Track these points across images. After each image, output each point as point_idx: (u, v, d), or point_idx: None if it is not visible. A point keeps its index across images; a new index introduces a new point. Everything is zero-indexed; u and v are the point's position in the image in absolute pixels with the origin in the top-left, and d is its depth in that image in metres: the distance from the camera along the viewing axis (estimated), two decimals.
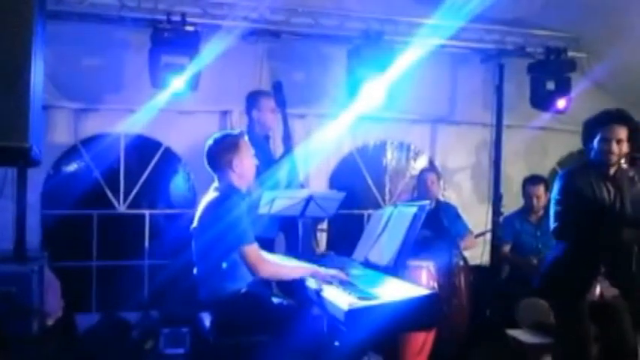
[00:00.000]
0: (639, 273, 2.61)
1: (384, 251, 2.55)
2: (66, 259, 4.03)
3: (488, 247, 4.41)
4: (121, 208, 4.25)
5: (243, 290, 2.48)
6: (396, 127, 4.85)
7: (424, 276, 3.33)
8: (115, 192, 4.23)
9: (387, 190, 4.96)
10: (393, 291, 2.29)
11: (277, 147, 4.00)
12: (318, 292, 2.41)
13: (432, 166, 4.66)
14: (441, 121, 4.90)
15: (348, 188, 5.09)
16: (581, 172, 2.73)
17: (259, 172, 3.31)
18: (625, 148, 2.64)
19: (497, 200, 4.31)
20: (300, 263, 2.70)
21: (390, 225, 2.61)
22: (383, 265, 2.53)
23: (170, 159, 4.32)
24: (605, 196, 2.67)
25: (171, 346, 3.44)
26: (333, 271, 2.54)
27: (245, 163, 2.59)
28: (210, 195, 2.60)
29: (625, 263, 2.63)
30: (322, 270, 2.56)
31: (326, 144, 4.58)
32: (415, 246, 3.60)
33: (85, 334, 3.62)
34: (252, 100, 3.62)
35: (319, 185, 4.56)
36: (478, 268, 4.22)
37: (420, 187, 3.94)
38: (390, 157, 5.03)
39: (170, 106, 4.06)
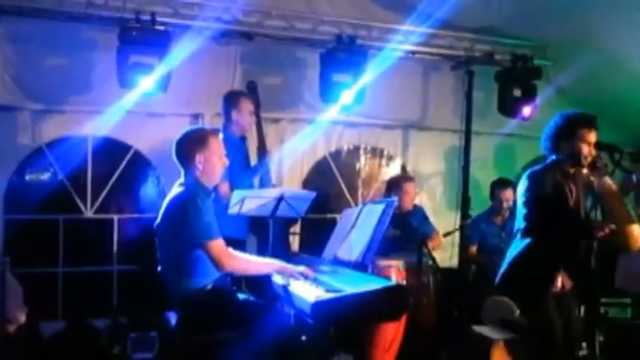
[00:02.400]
0: (597, 269, 2.69)
1: (353, 247, 2.57)
2: (30, 265, 3.88)
3: (457, 250, 4.48)
4: (89, 212, 4.13)
5: (209, 287, 2.43)
6: (370, 132, 4.89)
7: (393, 274, 3.36)
8: (82, 196, 4.12)
9: (359, 194, 4.98)
10: (359, 284, 2.32)
11: (253, 150, 3.96)
12: (285, 287, 2.41)
13: (410, 176, 4.68)
14: (413, 126, 4.96)
15: (321, 192, 5.13)
16: (547, 172, 2.79)
17: (236, 173, 3.28)
18: (593, 152, 2.72)
19: (465, 204, 4.38)
20: (267, 259, 2.68)
21: (359, 222, 2.63)
22: (352, 260, 2.54)
23: (139, 162, 4.22)
24: (569, 195, 2.74)
25: (140, 350, 3.35)
26: (300, 268, 2.53)
27: (212, 160, 2.53)
28: (175, 190, 2.54)
29: (585, 260, 2.71)
30: (289, 266, 2.54)
31: (300, 148, 4.59)
32: (385, 246, 3.66)
33: (50, 341, 3.50)
34: (232, 100, 3.58)
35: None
36: (447, 271, 4.28)
37: (401, 195, 3.96)
38: (364, 162, 5.06)
39: (139, 108, 3.98)
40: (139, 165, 4.23)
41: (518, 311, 3.63)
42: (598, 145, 2.67)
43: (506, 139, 5.05)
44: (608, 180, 2.66)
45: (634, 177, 2.74)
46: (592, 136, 2.71)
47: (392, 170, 5.05)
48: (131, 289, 4.04)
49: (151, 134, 4.17)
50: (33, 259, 3.94)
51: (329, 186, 4.88)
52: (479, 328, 3.44)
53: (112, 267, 4.15)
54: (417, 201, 4.94)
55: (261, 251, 3.42)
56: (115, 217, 4.22)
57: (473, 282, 4.12)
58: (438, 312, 3.58)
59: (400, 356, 3.38)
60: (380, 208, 2.54)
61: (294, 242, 4.48)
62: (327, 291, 2.23)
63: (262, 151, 3.72)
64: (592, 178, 2.72)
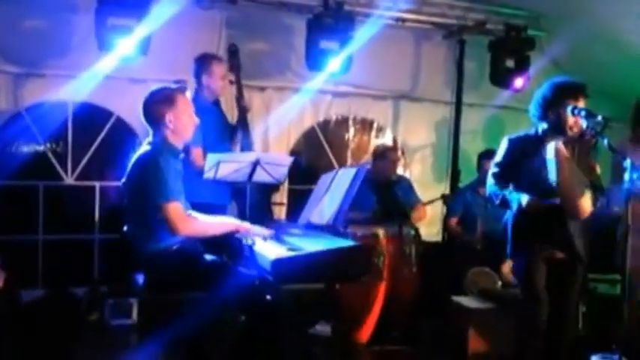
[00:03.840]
0: (577, 235, 2.66)
1: (325, 211, 2.54)
2: (9, 232, 3.83)
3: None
4: (69, 179, 4.07)
5: (175, 247, 2.39)
6: (359, 103, 4.80)
7: (376, 242, 3.34)
8: (63, 163, 4.04)
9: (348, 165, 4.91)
10: (323, 244, 2.31)
11: (229, 114, 3.86)
12: (250, 247, 2.39)
13: (394, 146, 4.61)
14: (404, 97, 4.87)
15: (309, 163, 5.07)
16: (527, 138, 2.75)
17: (211, 138, 3.20)
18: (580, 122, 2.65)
19: (454, 176, 4.33)
20: (224, 219, 2.64)
21: (333, 186, 2.59)
22: (323, 224, 2.51)
23: (121, 129, 4.13)
24: (542, 163, 2.69)
25: (118, 316, 3.33)
26: (258, 228, 2.50)
27: (182, 119, 2.46)
28: (142, 149, 2.49)
29: (563, 226, 2.67)
30: (246, 225, 2.50)
31: (286, 118, 4.51)
32: (367, 216, 3.63)
33: (28, 308, 3.47)
34: (203, 64, 3.47)
35: None
36: (435, 245, 4.25)
37: (383, 164, 3.90)
38: (353, 133, 4.98)
39: (120, 73, 3.88)
40: (121, 132, 4.14)
41: (500, 282, 3.63)
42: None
43: (499, 112, 4.97)
44: (560, 146, 2.60)
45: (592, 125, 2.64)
46: (581, 105, 2.63)
47: (382, 142, 4.97)
48: (113, 258, 4.00)
49: (133, 101, 4.02)
50: (12, 226, 3.88)
51: (317, 157, 4.82)
52: (459, 299, 3.43)
53: (93, 235, 4.10)
54: (407, 173, 4.91)
55: (242, 218, 3.35)
56: (97, 184, 4.15)
57: (455, 254, 4.10)
58: (420, 283, 3.56)
59: (380, 326, 3.39)
60: (352, 172, 2.51)
61: (281, 212, 4.43)
62: (289, 250, 2.23)
63: (243, 117, 3.62)
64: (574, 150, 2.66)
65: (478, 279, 3.57)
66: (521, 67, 4.50)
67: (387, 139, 4.95)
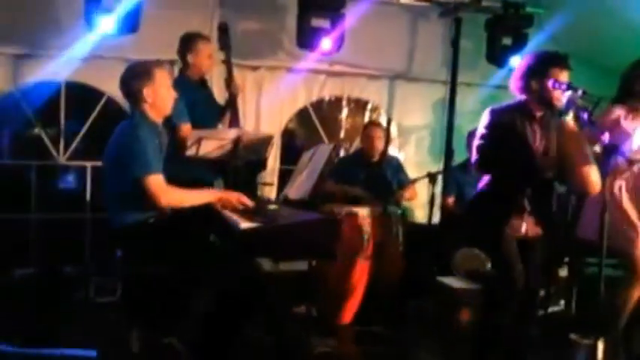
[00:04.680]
0: (560, 212, 2.62)
1: (302, 186, 2.52)
2: (1, 211, 3.87)
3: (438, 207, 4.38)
4: (61, 159, 4.09)
5: (151, 220, 2.38)
6: (353, 83, 4.74)
7: (357, 222, 3.31)
8: (55, 142, 4.06)
9: (342, 147, 4.88)
10: (293, 217, 2.31)
11: (219, 94, 3.84)
12: (224, 219, 2.39)
13: (376, 121, 4.53)
14: (399, 77, 4.80)
15: (302, 144, 5.04)
16: (510, 111, 2.69)
17: (198, 116, 3.18)
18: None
19: (448, 157, 4.27)
20: (205, 189, 2.62)
21: (311, 163, 2.57)
22: (299, 199, 2.50)
23: (113, 109, 4.14)
24: (530, 136, 2.65)
25: (103, 295, 3.36)
26: (235, 195, 2.49)
27: (160, 93, 2.45)
28: (122, 124, 2.49)
29: (546, 201, 2.64)
30: (227, 194, 2.50)
31: (279, 98, 4.47)
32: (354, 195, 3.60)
33: (15, 284, 3.52)
34: (188, 42, 3.43)
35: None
36: (424, 226, 4.20)
37: (366, 142, 3.86)
38: (347, 114, 4.94)
39: (112, 53, 3.86)
40: (113, 112, 4.14)
41: (489, 264, 3.58)
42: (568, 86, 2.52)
43: (496, 91, 4.84)
44: (568, 120, 2.54)
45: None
46: (564, 77, 2.57)
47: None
48: (104, 237, 4.02)
49: None
50: (4, 205, 3.92)
51: (310, 137, 4.79)
52: (444, 279, 3.40)
53: (84, 214, 4.13)
54: (402, 153, 4.86)
55: None
56: (89, 164, 4.17)
57: (446, 233, 4.06)
58: (407, 263, 3.54)
59: (365, 306, 3.38)
60: (329, 148, 2.49)
61: (271, 192, 4.42)
62: (260, 221, 2.24)
63: (232, 100, 3.58)
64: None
65: (466, 260, 3.54)
66: (519, 44, 4.40)
67: (382, 120, 4.90)
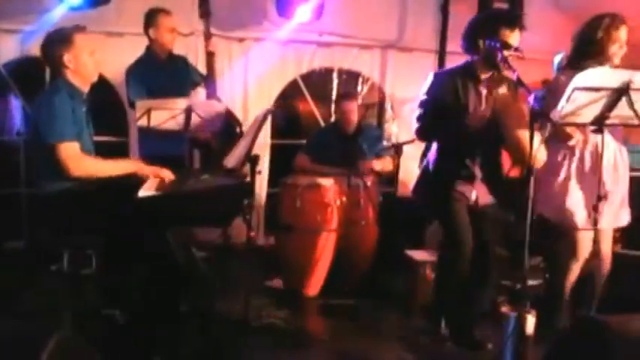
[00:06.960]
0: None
1: (236, 155, 2.50)
2: None
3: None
4: None
5: (67, 186, 2.35)
6: (344, 53, 4.65)
7: (320, 193, 3.27)
8: None
9: (333, 119, 4.81)
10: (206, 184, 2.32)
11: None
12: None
13: (350, 93, 4.37)
14: (391, 47, 4.68)
15: (292, 117, 4.98)
16: (453, 75, 2.61)
17: (159, 94, 3.14)
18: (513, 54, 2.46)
19: None
20: (125, 160, 2.63)
21: (249, 130, 2.55)
22: (229, 168, 2.49)
23: (100, 84, 4.12)
24: (474, 99, 2.55)
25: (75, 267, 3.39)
26: (152, 168, 2.47)
27: (81, 58, 2.42)
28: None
29: (494, 165, 2.56)
30: (146, 166, 2.48)
31: (267, 70, 4.41)
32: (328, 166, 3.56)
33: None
34: (150, 17, 3.41)
35: None
36: (397, 197, 4.12)
37: (339, 115, 3.78)
38: (337, 85, 4.85)
39: (96, 27, 3.81)
40: (100, 86, 4.12)
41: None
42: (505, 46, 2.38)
43: None
44: (503, 90, 2.44)
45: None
46: (514, 38, 2.44)
47: (369, 94, 4.83)
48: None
49: (109, 55, 4.03)
50: None
51: (300, 110, 4.72)
52: (412, 252, 3.36)
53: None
54: (394, 125, 4.78)
55: (205, 170, 3.32)
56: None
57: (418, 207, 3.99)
58: (378, 236, 3.48)
59: (332, 279, 3.36)
60: (262, 114, 2.48)
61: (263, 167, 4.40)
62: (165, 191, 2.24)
63: (209, 63, 3.53)
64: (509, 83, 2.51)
65: (437, 233, 3.47)
66: (514, 9, 4.22)
67: (373, 91, 4.81)
